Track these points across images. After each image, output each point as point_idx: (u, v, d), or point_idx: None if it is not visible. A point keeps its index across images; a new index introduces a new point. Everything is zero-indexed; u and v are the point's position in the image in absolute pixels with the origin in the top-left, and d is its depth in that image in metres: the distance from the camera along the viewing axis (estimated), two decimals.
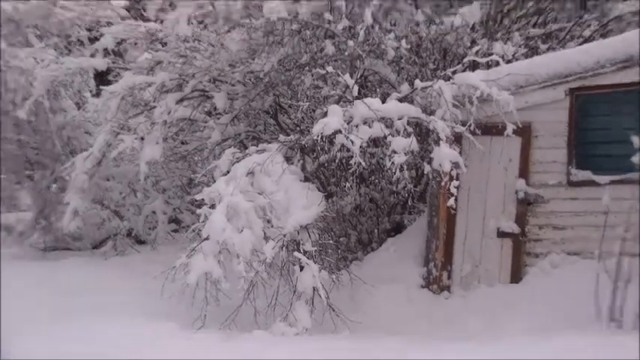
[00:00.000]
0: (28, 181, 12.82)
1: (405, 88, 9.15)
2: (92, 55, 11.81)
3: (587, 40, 10.61)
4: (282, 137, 9.11)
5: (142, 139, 10.32)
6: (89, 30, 14.95)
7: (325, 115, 8.37)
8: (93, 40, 13.29)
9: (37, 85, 11.40)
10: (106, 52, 11.50)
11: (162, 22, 10.72)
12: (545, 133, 8.76)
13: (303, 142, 8.73)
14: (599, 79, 8.62)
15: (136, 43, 11.48)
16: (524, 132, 8.68)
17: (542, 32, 10.83)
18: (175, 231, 12.70)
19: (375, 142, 8.48)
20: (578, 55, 8.81)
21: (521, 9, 10.88)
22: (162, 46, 10.95)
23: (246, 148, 9.62)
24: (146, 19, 11.43)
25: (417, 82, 8.85)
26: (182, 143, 11.56)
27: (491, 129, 8.64)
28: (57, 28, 15.25)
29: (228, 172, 8.37)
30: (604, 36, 10.59)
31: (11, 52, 12.00)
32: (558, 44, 10.73)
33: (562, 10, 11.12)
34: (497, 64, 8.93)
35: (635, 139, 7.68)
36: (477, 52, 9.21)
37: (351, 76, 9.01)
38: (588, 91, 8.67)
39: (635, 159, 7.69)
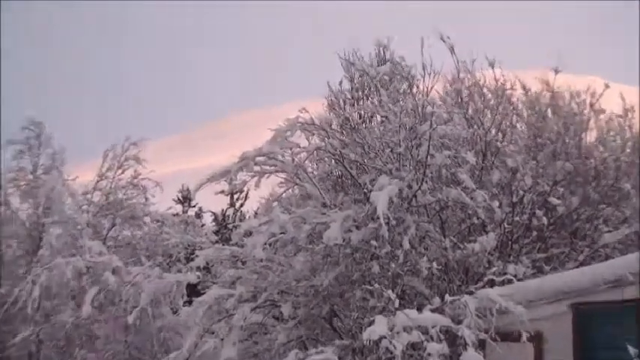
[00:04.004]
0: None
1: (436, 300, 9.16)
2: (187, 271, 12.11)
3: (582, 263, 10.64)
4: (337, 342, 9.14)
5: (222, 340, 10.26)
6: (187, 249, 15.55)
7: (372, 323, 8.40)
8: (188, 259, 13.75)
9: (144, 296, 11.60)
10: (197, 268, 11.77)
11: (242, 246, 11.01)
12: (553, 340, 8.60)
13: (355, 346, 8.76)
14: (596, 296, 8.53)
15: (221, 262, 11.75)
16: (536, 339, 8.57)
17: (545, 256, 10.91)
18: None
19: (413, 346, 8.34)
20: (577, 276, 8.83)
21: (527, 237, 11.07)
22: (242, 264, 11.17)
23: (306, 348, 9.56)
24: (231, 244, 11.77)
25: (447, 297, 8.95)
26: (254, 343, 11.44)
27: (508, 336, 8.54)
28: (162, 249, 15.96)
29: None
30: (594, 260, 10.62)
31: (126, 270, 12.42)
32: (559, 265, 10.78)
33: (560, 238, 11.27)
34: (510, 282, 9.10)
35: (630, 348, 7.47)
36: (494, 272, 9.31)
37: (393, 291, 9.11)
38: (587, 305, 8.58)
39: None
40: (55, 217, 16.33)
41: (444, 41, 11.36)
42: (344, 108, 14.26)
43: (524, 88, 12.62)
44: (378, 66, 15.25)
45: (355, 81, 14.71)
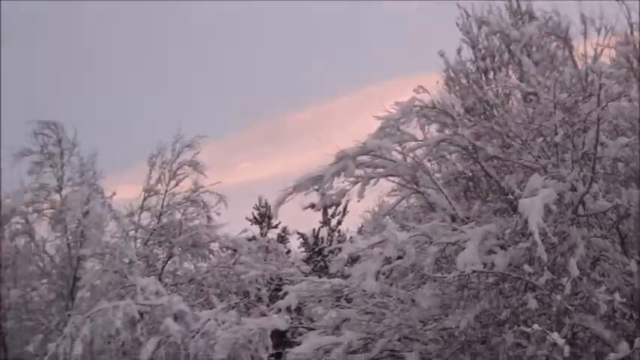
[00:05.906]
0: None
1: (623, 347, 8.99)
2: (273, 314, 12.20)
3: None
4: None
5: None
6: (270, 284, 15.56)
7: None
8: (273, 297, 13.82)
9: (218, 349, 11.65)
10: (287, 310, 11.83)
11: (346, 277, 11.03)
12: None
13: None
14: None
15: (319, 300, 11.81)
16: None
17: None
18: None
19: None
20: None
21: None
22: (348, 302, 11.26)
23: None
24: (329, 274, 11.85)
25: (638, 341, 8.78)
26: None
27: None
28: (237, 286, 16.01)
29: None
30: None
31: (193, 315, 12.57)
32: None
33: None
34: None
35: None
36: None
37: (559, 334, 8.92)
38: None
39: None
40: (93, 248, 16.53)
41: None
42: (469, 85, 14.08)
43: None
44: (515, 24, 15.07)
45: (480, 46, 14.48)
